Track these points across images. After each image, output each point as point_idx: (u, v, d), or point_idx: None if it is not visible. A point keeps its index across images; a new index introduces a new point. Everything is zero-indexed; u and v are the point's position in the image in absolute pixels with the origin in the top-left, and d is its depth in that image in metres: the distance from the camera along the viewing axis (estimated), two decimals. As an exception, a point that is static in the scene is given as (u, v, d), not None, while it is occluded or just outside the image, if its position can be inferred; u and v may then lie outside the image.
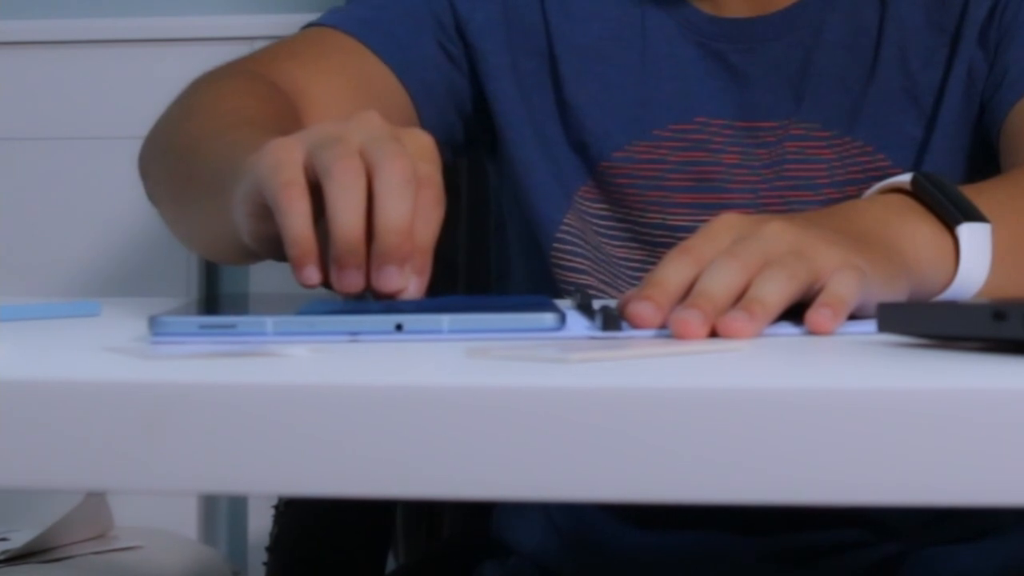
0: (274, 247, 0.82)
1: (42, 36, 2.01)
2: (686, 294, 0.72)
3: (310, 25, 1.20)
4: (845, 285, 0.72)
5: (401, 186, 0.78)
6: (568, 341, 0.69)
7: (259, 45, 1.23)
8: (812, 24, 1.15)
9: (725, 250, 0.73)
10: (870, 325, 0.70)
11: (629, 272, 1.16)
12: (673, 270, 0.73)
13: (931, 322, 0.66)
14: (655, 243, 1.15)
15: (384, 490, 0.55)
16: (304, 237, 0.78)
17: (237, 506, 2.01)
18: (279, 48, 1.17)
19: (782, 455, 0.53)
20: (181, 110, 1.08)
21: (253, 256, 0.89)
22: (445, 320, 0.71)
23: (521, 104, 1.18)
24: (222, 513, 2.03)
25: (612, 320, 0.72)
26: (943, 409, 0.53)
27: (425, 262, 0.80)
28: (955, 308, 0.66)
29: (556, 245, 1.18)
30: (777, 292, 0.71)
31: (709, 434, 0.53)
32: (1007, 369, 0.59)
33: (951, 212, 0.83)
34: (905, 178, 0.85)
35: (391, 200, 0.78)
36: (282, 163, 0.80)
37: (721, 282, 0.71)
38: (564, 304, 0.84)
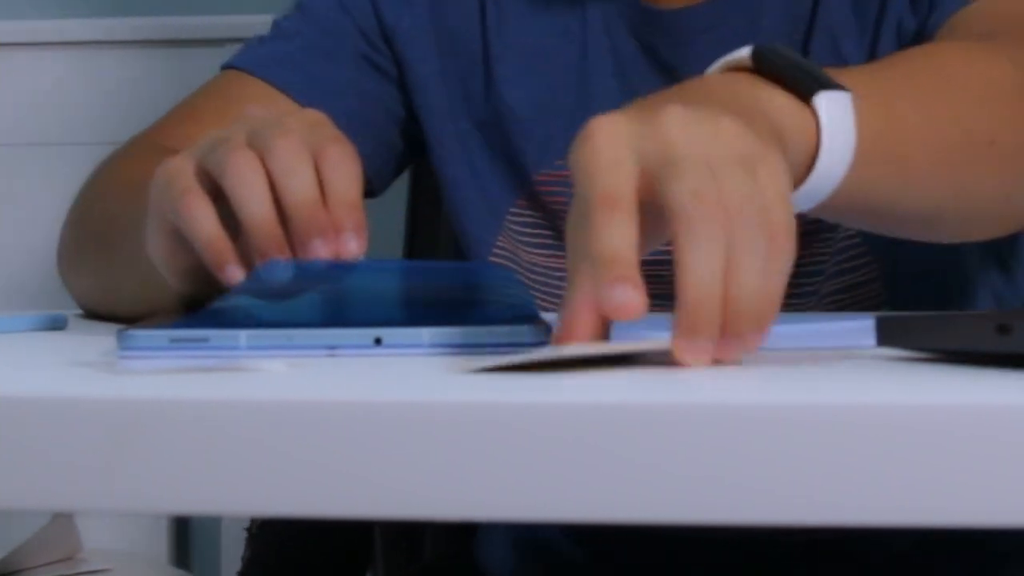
0: (201, 279, 0.81)
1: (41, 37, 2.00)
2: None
3: (225, 67, 1.18)
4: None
5: (293, 159, 0.79)
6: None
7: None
8: (748, 14, 1.08)
9: (688, 227, 0.62)
10: (870, 339, 0.68)
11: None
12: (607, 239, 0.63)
13: (932, 336, 0.65)
14: None
15: (362, 510, 0.54)
16: (214, 237, 0.78)
17: (210, 528, 2.00)
18: (181, 112, 1.16)
19: (777, 474, 0.52)
20: (86, 200, 1.09)
21: (184, 310, 0.87)
22: (425, 334, 0.70)
23: (448, 117, 1.14)
24: (194, 535, 2.02)
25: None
26: (945, 426, 0.52)
27: (358, 218, 0.79)
28: (958, 321, 0.66)
29: None
30: (768, 296, 0.64)
31: (702, 452, 0.52)
32: (1011, 384, 0.58)
33: (805, 82, 0.76)
34: (744, 52, 0.76)
35: (287, 177, 0.78)
36: (173, 176, 0.81)
37: (709, 288, 0.63)
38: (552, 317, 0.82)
